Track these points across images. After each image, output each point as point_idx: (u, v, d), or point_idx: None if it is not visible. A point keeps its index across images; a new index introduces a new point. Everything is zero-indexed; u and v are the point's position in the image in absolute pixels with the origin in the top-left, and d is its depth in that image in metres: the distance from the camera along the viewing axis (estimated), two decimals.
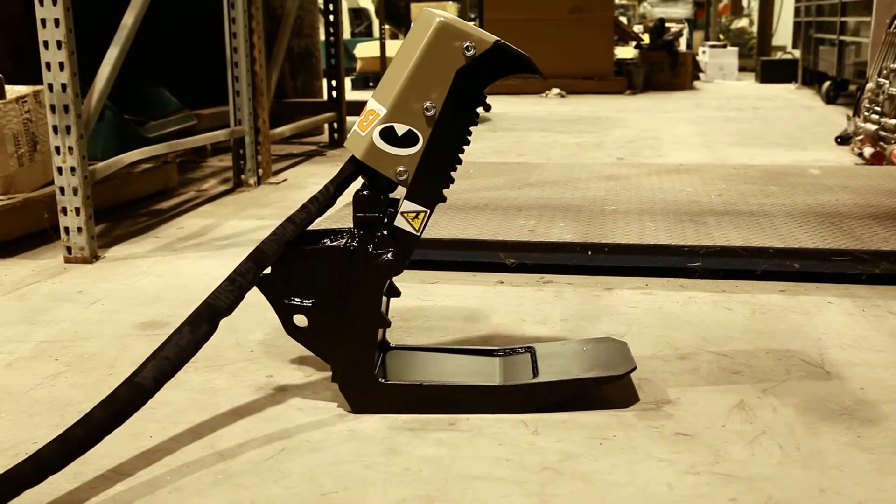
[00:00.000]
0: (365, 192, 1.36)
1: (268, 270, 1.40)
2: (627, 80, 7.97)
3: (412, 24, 1.40)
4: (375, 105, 1.35)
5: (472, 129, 1.35)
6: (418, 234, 1.36)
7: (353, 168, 1.38)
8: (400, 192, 1.37)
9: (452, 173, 1.36)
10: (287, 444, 1.30)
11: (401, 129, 1.32)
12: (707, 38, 11.43)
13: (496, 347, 1.58)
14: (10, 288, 2.12)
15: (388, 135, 1.32)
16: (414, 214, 1.35)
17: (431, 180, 1.35)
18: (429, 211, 1.36)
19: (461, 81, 1.31)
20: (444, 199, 1.37)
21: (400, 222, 1.36)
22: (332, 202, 1.41)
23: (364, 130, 1.34)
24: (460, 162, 1.37)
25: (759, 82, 8.93)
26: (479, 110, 1.35)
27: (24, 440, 1.32)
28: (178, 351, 1.28)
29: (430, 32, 1.30)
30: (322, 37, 4.79)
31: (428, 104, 1.31)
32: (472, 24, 1.31)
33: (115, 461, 1.26)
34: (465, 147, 1.36)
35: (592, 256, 2.14)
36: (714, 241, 2.14)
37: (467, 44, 1.29)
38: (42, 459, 1.17)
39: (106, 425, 1.21)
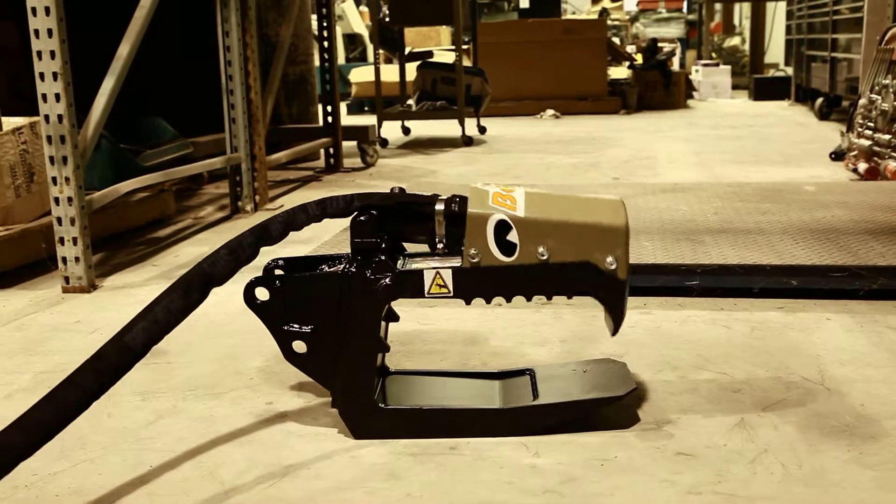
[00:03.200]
0: (363, 218, 1.37)
1: (266, 296, 1.40)
2: (621, 100, 8.00)
3: (605, 198, 1.42)
4: (521, 200, 1.36)
5: (532, 298, 1.37)
6: (424, 294, 1.36)
7: (396, 203, 1.37)
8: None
9: (495, 297, 1.36)
10: (288, 472, 1.30)
11: (514, 237, 1.33)
12: (700, 57, 11.49)
13: (495, 370, 1.58)
14: (9, 319, 2.12)
15: (501, 227, 1.33)
16: (442, 284, 1.35)
17: (482, 285, 1.35)
18: (452, 295, 1.36)
19: (579, 268, 1.33)
20: (469, 302, 1.37)
21: (427, 275, 1.35)
22: (348, 213, 1.39)
23: (494, 202, 1.35)
24: (509, 300, 1.38)
25: (752, 100, 8.97)
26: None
27: (24, 472, 1.31)
28: (167, 315, 1.27)
29: (612, 223, 1.33)
30: (317, 63, 4.81)
31: (544, 250, 1.33)
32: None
33: (114, 491, 1.25)
34: (523, 298, 1.37)
35: None
36: (711, 260, 2.15)
37: (612, 258, 1.33)
38: (33, 426, 1.15)
39: (96, 389, 1.20)
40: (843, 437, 1.35)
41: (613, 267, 1.33)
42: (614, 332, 1.40)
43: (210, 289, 1.31)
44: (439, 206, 1.37)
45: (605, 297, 1.36)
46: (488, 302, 1.38)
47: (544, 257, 1.33)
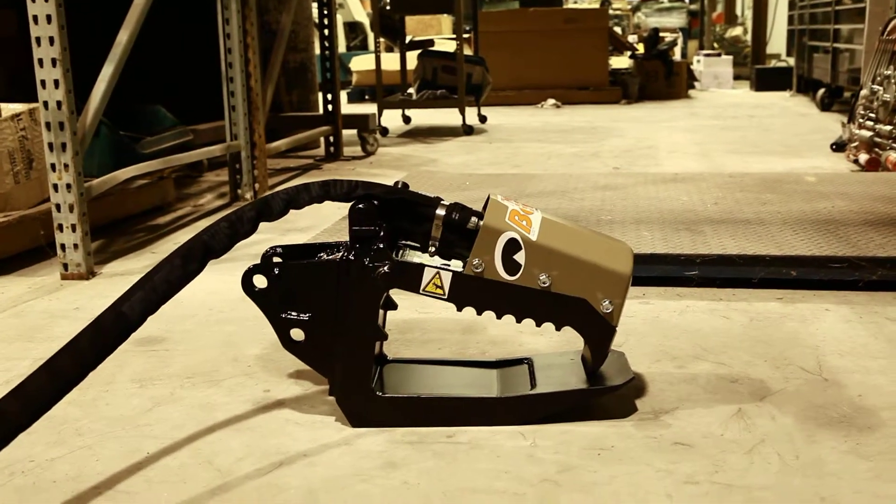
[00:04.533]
0: (361, 206, 1.36)
1: (264, 283, 1.40)
2: (622, 90, 7.99)
3: (617, 242, 1.44)
4: (537, 223, 1.37)
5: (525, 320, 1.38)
6: (419, 289, 1.36)
7: (398, 199, 1.36)
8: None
9: (487, 310, 1.37)
10: (285, 459, 1.30)
11: (520, 257, 1.33)
12: (701, 47, 11.48)
13: (493, 359, 1.58)
14: (7, 305, 2.12)
15: (511, 245, 1.33)
16: (439, 284, 1.35)
17: (477, 295, 1.35)
18: (446, 298, 1.36)
19: (575, 303, 1.34)
20: (461, 308, 1.37)
21: (427, 272, 1.35)
22: (349, 199, 1.38)
23: (510, 219, 1.35)
24: (500, 317, 1.38)
25: (754, 90, 8.95)
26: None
27: (22, 458, 1.32)
28: (165, 285, 1.26)
29: (618, 269, 1.35)
30: (317, 50, 4.80)
31: (546, 278, 1.33)
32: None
33: (111, 478, 1.25)
34: (515, 319, 1.37)
35: None
36: (710, 250, 2.15)
37: (609, 303, 1.34)
38: (31, 396, 1.15)
39: (92, 359, 1.20)
40: (840, 427, 1.35)
41: (609, 311, 1.35)
42: (593, 370, 1.41)
43: (208, 259, 1.30)
44: (440, 212, 1.37)
45: (592, 338, 1.38)
46: (479, 313, 1.38)
47: (545, 284, 1.34)
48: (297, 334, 1.41)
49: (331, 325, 1.38)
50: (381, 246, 1.35)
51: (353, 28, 11.39)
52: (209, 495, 1.20)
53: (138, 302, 1.24)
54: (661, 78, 8.27)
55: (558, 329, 1.38)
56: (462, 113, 5.79)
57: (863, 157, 3.76)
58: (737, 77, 9.96)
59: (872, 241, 2.20)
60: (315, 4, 4.80)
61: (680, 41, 10.98)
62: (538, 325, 1.38)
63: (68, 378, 1.18)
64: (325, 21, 4.55)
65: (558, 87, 7.83)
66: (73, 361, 1.19)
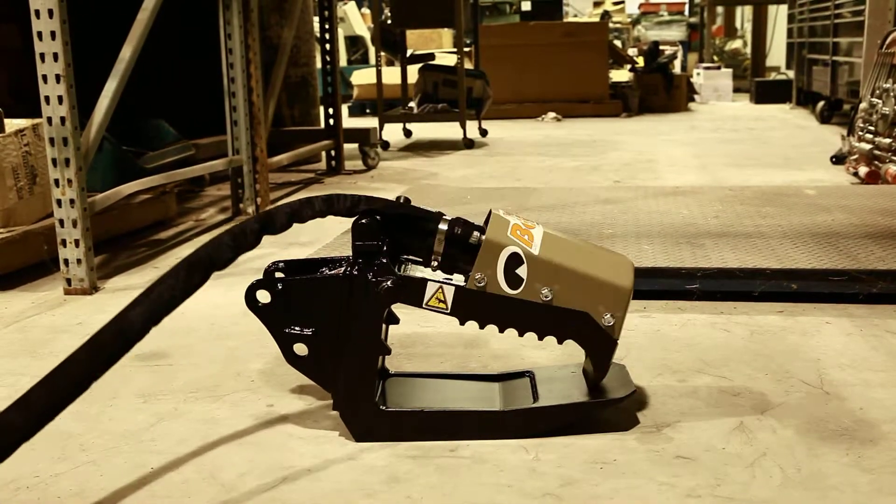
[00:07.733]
0: (364, 221, 1.37)
1: (267, 298, 1.41)
2: (623, 103, 8.01)
3: (618, 255, 1.46)
4: (538, 237, 1.38)
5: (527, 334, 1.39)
6: (422, 304, 1.37)
7: (400, 214, 1.38)
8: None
9: (490, 324, 1.38)
10: (288, 474, 1.30)
11: (523, 272, 1.35)
12: (701, 60, 11.49)
13: (496, 372, 1.59)
14: (11, 320, 2.12)
15: (513, 259, 1.35)
16: (442, 299, 1.36)
17: (480, 310, 1.37)
18: (448, 312, 1.37)
19: (577, 317, 1.35)
20: (463, 322, 1.39)
21: (430, 287, 1.36)
22: (352, 214, 1.39)
23: (512, 234, 1.36)
24: (502, 331, 1.39)
25: (753, 103, 8.97)
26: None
27: (26, 474, 1.32)
28: (169, 298, 1.26)
29: (619, 283, 1.36)
30: (319, 65, 4.82)
31: (548, 291, 1.35)
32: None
33: (115, 493, 1.26)
34: (518, 333, 1.39)
35: None
36: (711, 263, 2.15)
37: (610, 316, 1.35)
38: (33, 407, 1.15)
39: (93, 371, 1.20)
40: (841, 440, 1.36)
41: (610, 324, 1.36)
42: (595, 383, 1.42)
43: (211, 273, 1.31)
44: (443, 226, 1.38)
45: (594, 352, 1.38)
46: (482, 327, 1.39)
47: (547, 298, 1.35)
48: (300, 349, 1.42)
49: (334, 340, 1.39)
50: (385, 261, 1.36)
51: (355, 42, 11.43)
52: None
53: (140, 313, 1.24)
54: (661, 91, 8.30)
55: (560, 342, 1.39)
56: (463, 127, 5.81)
57: (862, 170, 3.77)
58: (736, 90, 9.98)
59: (873, 253, 2.20)
60: (316, 19, 4.82)
61: (680, 54, 11.01)
62: (540, 338, 1.39)
63: (69, 390, 1.18)
64: (327, 35, 4.57)
65: (559, 101, 7.85)
66: (75, 371, 1.18)
